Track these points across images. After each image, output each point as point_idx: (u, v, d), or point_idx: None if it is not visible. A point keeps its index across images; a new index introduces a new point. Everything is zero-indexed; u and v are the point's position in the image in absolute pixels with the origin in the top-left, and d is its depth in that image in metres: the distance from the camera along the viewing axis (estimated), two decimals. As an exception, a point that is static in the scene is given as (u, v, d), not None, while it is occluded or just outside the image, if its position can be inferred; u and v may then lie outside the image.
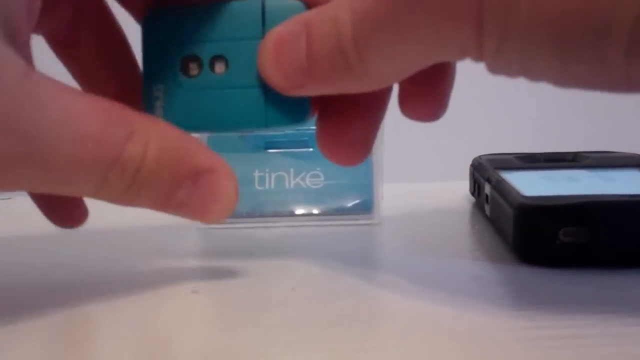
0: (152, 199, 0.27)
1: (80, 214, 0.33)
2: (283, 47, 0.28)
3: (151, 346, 0.25)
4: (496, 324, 0.26)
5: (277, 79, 0.28)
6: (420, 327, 0.26)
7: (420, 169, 1.02)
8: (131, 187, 0.26)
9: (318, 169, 0.40)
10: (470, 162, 0.45)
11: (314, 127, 0.40)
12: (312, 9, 0.28)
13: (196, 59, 0.30)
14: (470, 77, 1.08)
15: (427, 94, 0.31)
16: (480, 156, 0.45)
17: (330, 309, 0.28)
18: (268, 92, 0.29)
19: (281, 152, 0.40)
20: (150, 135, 0.26)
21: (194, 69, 0.30)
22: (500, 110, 1.10)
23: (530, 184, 0.36)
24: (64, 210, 0.33)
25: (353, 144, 0.31)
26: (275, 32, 0.28)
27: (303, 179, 0.40)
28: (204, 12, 0.30)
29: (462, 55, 0.25)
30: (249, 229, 0.40)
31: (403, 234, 0.39)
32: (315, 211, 0.41)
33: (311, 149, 0.41)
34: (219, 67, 0.30)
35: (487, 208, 0.39)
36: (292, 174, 0.40)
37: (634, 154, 0.44)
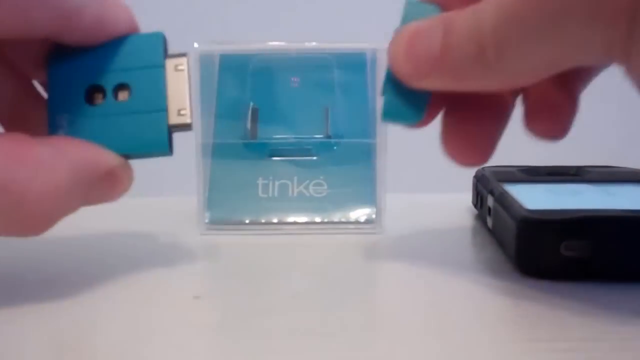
0: (66, 214, 0.29)
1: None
2: (418, 37, 0.28)
3: (151, 351, 0.25)
4: (497, 337, 0.26)
5: (405, 67, 0.29)
6: (420, 338, 0.26)
7: (424, 180, 1.02)
8: (46, 217, 0.28)
9: (322, 177, 0.40)
10: (473, 174, 0.45)
11: (318, 136, 0.40)
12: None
13: (100, 88, 0.31)
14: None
15: (559, 105, 0.31)
16: (483, 168, 0.45)
17: (330, 318, 0.28)
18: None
19: (285, 160, 0.40)
20: (58, 164, 0.28)
21: (98, 98, 0.31)
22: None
23: (533, 197, 0.36)
24: None
25: (478, 145, 0.32)
26: (412, 25, 0.28)
27: (306, 188, 0.40)
28: (106, 45, 0.31)
29: (606, 57, 0.24)
30: (252, 236, 0.40)
31: (405, 244, 0.39)
32: (318, 220, 0.40)
33: (315, 158, 0.41)
34: (122, 95, 0.31)
35: (489, 220, 0.39)
36: (296, 182, 0.40)
37: (637, 169, 0.44)
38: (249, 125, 0.39)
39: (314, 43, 0.40)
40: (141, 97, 0.31)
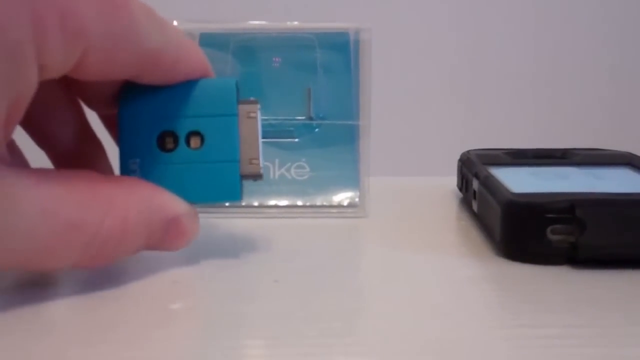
0: (128, 254, 0.29)
1: None
2: None
3: (130, 336, 0.25)
4: (481, 322, 0.26)
5: None
6: (402, 323, 0.26)
7: (408, 163, 1.03)
8: (110, 255, 0.28)
9: (303, 160, 0.40)
10: (458, 157, 0.45)
11: (300, 118, 0.40)
12: None
13: (172, 134, 0.31)
14: (458, 71, 1.08)
15: None
16: (468, 151, 0.45)
17: (312, 302, 0.28)
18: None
19: (266, 142, 0.40)
20: (128, 203, 0.28)
21: (169, 143, 0.31)
22: (489, 104, 1.10)
23: (519, 181, 0.36)
24: None
25: None
26: None
27: (288, 170, 0.40)
28: (179, 89, 0.31)
29: None
30: (232, 220, 0.39)
31: (388, 228, 0.39)
32: (300, 203, 0.40)
33: (297, 140, 0.40)
34: (195, 142, 0.31)
35: (474, 204, 0.39)
36: (277, 165, 0.40)
37: (624, 152, 0.44)
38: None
39: (295, 22, 0.40)
40: (214, 146, 0.31)
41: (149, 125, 0.31)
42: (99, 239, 0.27)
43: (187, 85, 0.31)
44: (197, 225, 0.31)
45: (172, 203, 0.30)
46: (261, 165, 0.32)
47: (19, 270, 0.30)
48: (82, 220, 0.26)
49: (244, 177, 0.32)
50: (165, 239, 0.30)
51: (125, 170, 0.31)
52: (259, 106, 0.32)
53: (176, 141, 0.31)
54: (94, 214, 0.27)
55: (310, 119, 0.40)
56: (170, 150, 0.31)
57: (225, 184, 0.31)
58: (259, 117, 0.32)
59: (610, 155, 0.44)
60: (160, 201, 0.30)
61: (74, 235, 0.26)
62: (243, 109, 0.32)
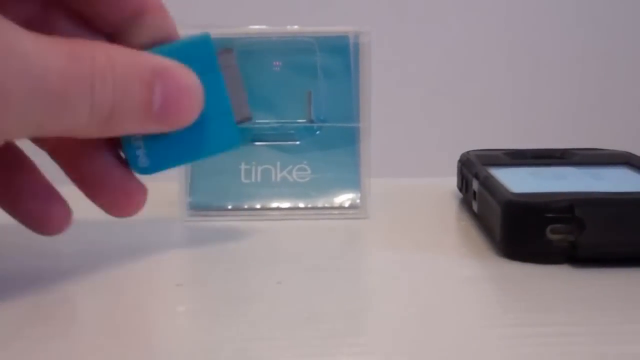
0: (136, 109, 0.28)
1: (62, 217, 0.33)
2: None
3: (135, 339, 0.25)
4: (481, 321, 0.26)
5: None
6: (404, 323, 0.26)
7: (408, 164, 1.03)
8: (115, 100, 0.27)
9: (305, 162, 0.40)
10: (458, 158, 0.45)
11: (301, 121, 0.40)
12: None
13: None
14: (457, 72, 1.08)
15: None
16: (468, 152, 0.45)
17: (315, 303, 0.28)
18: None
19: (268, 145, 0.40)
20: (109, 50, 0.28)
21: None
22: (488, 106, 1.10)
23: (518, 181, 0.36)
24: (44, 213, 0.33)
25: None
26: None
27: (290, 173, 0.40)
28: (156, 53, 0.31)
29: None
30: (235, 222, 0.39)
31: (389, 229, 0.39)
32: (301, 205, 0.40)
33: (298, 142, 0.40)
34: None
35: (474, 204, 0.39)
36: (279, 167, 0.40)
37: (622, 151, 0.44)
38: None
39: (296, 27, 0.40)
40: (206, 103, 0.31)
41: None
42: (97, 72, 0.27)
43: (163, 50, 0.31)
44: (194, 77, 0.30)
45: (158, 58, 0.30)
46: (248, 107, 0.33)
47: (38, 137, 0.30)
48: (78, 54, 0.27)
49: (238, 123, 0.32)
50: (166, 94, 0.29)
51: (130, 150, 0.32)
52: (234, 54, 0.32)
53: None
54: (85, 51, 0.27)
55: (311, 121, 0.40)
56: None
57: (224, 135, 0.32)
58: (236, 62, 0.32)
59: (609, 155, 0.44)
60: (145, 55, 0.30)
61: (77, 65, 0.26)
62: (222, 60, 0.32)
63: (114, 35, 0.31)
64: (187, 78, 0.30)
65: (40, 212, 0.33)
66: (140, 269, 0.33)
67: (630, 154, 0.43)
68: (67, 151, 0.33)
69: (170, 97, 0.29)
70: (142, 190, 0.33)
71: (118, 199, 0.33)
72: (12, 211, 0.33)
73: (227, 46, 0.33)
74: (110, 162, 0.32)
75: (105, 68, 0.27)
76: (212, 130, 0.32)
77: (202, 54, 0.32)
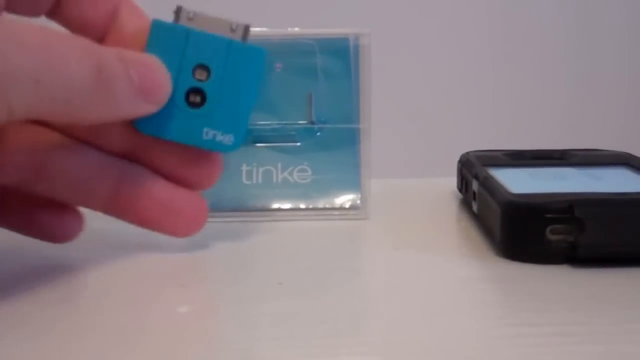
0: (121, 84, 0.29)
1: (74, 226, 0.34)
2: None
3: (137, 339, 0.25)
4: (481, 321, 0.26)
5: None
6: (405, 323, 0.26)
7: (408, 165, 1.03)
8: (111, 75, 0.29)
9: (306, 163, 0.40)
10: (457, 159, 0.45)
11: (302, 122, 0.40)
12: None
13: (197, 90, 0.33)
14: (459, 73, 1.08)
15: None
16: (468, 152, 0.45)
17: (316, 304, 0.28)
18: None
19: (269, 147, 0.40)
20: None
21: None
22: (488, 107, 1.10)
23: (518, 181, 0.36)
24: (57, 223, 0.33)
25: None
26: None
27: (290, 174, 0.40)
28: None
29: None
30: (237, 223, 0.39)
31: (390, 229, 0.39)
32: (302, 206, 0.40)
33: (299, 144, 0.40)
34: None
35: (474, 205, 0.39)
36: (280, 169, 0.40)
37: (622, 152, 0.44)
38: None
39: (296, 29, 0.40)
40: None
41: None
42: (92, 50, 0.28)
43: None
44: (154, 58, 0.31)
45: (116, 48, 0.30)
46: None
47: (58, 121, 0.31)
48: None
49: None
50: (140, 75, 0.30)
51: (204, 142, 0.33)
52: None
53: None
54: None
55: (312, 123, 0.40)
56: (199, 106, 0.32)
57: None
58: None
59: (608, 156, 0.44)
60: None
61: (75, 42, 0.28)
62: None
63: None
64: (152, 58, 0.31)
65: (53, 223, 0.33)
66: (143, 269, 0.33)
67: (630, 154, 0.43)
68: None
69: (143, 73, 0.30)
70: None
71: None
72: (18, 224, 0.33)
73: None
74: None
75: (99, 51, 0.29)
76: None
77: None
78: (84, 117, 0.29)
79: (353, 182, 0.41)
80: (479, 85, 1.09)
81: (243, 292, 0.30)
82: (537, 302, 0.28)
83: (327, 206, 0.40)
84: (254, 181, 0.40)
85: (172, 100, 0.32)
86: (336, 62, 0.40)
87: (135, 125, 0.32)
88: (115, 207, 0.33)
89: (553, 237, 0.31)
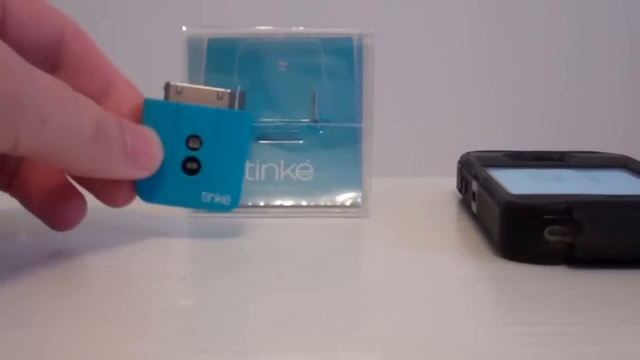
0: (115, 145, 0.32)
1: (76, 215, 0.35)
2: None
3: (138, 333, 0.25)
4: (480, 320, 0.26)
5: None
6: (403, 321, 0.26)
7: (409, 164, 1.03)
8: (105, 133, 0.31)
9: (308, 161, 0.41)
10: (458, 159, 0.45)
11: (305, 120, 0.40)
12: None
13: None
14: (458, 74, 1.08)
15: None
16: (468, 153, 0.45)
17: (316, 299, 0.28)
18: None
19: (272, 144, 0.40)
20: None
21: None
22: (488, 107, 1.10)
23: (518, 182, 0.36)
24: (59, 211, 0.34)
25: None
26: None
27: (293, 171, 0.41)
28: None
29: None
30: (239, 219, 0.39)
31: (390, 227, 0.39)
32: (304, 203, 0.41)
33: (302, 141, 0.41)
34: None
35: (473, 205, 0.39)
36: (282, 166, 0.40)
37: (620, 154, 0.45)
38: (236, 109, 0.39)
39: (301, 28, 0.40)
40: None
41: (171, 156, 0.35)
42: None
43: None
44: (152, 131, 0.34)
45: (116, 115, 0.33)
46: None
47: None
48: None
49: None
50: (135, 142, 0.32)
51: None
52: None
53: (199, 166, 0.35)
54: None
55: (315, 121, 0.41)
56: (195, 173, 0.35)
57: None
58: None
59: (607, 158, 0.44)
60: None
61: (82, 97, 0.30)
62: None
63: None
64: (147, 130, 0.34)
65: (55, 211, 0.34)
66: (144, 263, 0.33)
67: (628, 157, 0.43)
68: None
69: (137, 141, 0.33)
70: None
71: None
72: (29, 206, 0.35)
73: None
74: None
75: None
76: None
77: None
78: (78, 168, 0.32)
79: (354, 181, 0.41)
80: (480, 86, 1.09)
81: (243, 286, 0.30)
82: (535, 302, 0.28)
83: (328, 204, 0.41)
84: (257, 178, 0.40)
85: (170, 169, 0.35)
86: (340, 61, 0.40)
87: (137, 194, 0.35)
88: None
89: (551, 238, 0.32)
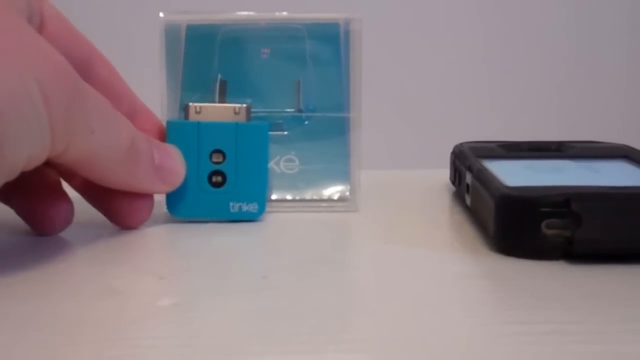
0: (145, 159, 0.35)
1: (62, 219, 0.35)
2: None
3: (116, 334, 0.24)
4: (475, 318, 0.26)
5: None
6: (395, 319, 0.26)
7: (399, 156, 1.03)
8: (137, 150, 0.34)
9: (293, 153, 0.40)
10: (451, 150, 0.45)
11: (290, 110, 0.39)
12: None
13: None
14: (454, 63, 1.08)
15: None
16: (461, 143, 0.45)
17: (302, 299, 0.28)
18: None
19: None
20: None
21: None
22: (482, 96, 1.10)
23: (513, 174, 0.36)
24: (46, 216, 0.35)
25: None
26: None
27: (277, 164, 0.40)
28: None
29: None
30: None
31: (380, 222, 0.39)
32: (289, 197, 0.40)
33: (286, 132, 0.40)
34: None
35: (467, 198, 0.39)
36: (266, 158, 0.40)
37: (620, 144, 0.44)
38: (217, 98, 0.39)
39: (284, 13, 0.40)
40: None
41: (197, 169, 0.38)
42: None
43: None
44: (176, 148, 0.37)
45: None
46: None
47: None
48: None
49: None
50: (161, 158, 0.36)
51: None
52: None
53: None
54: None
55: (300, 111, 0.40)
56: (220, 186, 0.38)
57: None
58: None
59: (607, 148, 0.44)
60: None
61: (121, 115, 0.33)
62: None
63: None
64: (172, 148, 0.37)
65: (43, 216, 0.35)
66: (124, 261, 0.33)
67: (629, 147, 0.43)
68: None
69: (164, 157, 0.36)
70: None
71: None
72: (18, 210, 0.36)
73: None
74: None
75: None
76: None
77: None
78: (109, 178, 0.34)
79: (342, 173, 0.40)
80: (473, 74, 1.09)
81: (225, 286, 0.29)
82: (532, 299, 0.28)
83: (314, 198, 0.40)
84: (240, 171, 0.40)
85: (197, 184, 0.37)
86: (326, 48, 0.40)
87: (168, 211, 0.38)
88: None
89: (549, 232, 0.31)
